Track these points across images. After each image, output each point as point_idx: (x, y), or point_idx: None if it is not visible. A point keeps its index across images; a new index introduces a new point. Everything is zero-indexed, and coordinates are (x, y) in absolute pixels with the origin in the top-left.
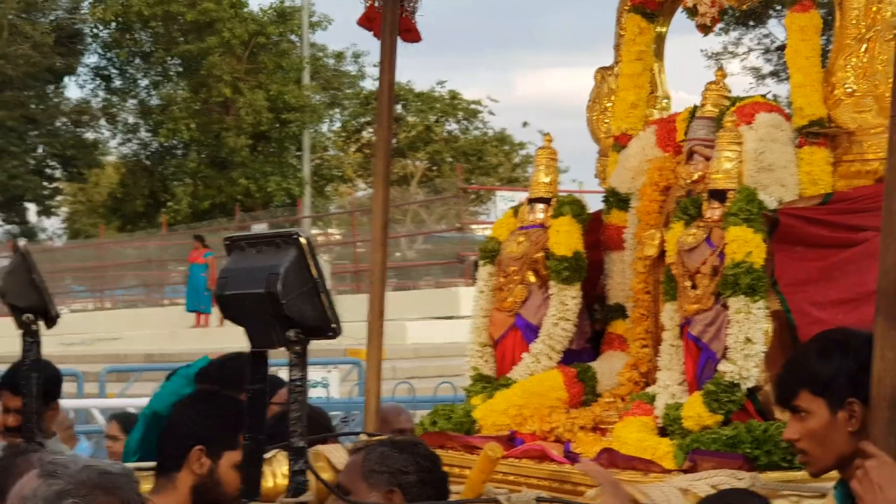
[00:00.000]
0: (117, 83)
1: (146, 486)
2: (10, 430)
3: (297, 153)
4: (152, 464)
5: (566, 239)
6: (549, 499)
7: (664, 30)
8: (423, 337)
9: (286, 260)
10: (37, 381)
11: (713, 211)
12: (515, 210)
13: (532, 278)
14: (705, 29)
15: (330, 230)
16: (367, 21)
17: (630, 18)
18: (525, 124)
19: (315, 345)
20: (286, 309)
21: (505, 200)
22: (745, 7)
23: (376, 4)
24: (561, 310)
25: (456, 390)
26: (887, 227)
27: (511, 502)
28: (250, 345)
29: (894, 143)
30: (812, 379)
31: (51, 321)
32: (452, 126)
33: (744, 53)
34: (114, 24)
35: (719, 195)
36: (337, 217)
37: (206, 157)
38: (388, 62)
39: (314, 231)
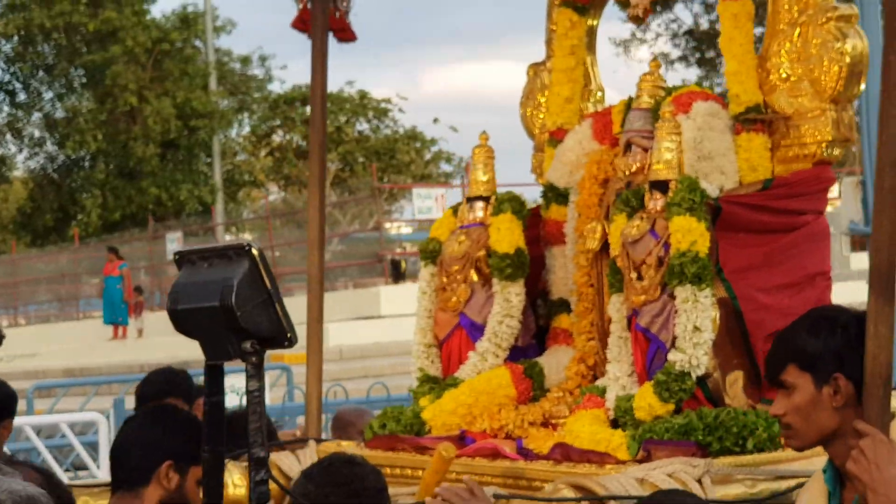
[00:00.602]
0: (21, 97)
1: (101, 502)
2: None
3: (208, 160)
4: (105, 479)
5: (507, 236)
6: (507, 495)
7: (595, 23)
8: (345, 338)
9: (239, 272)
10: None
11: (655, 202)
12: (455, 209)
13: (475, 277)
14: (637, 20)
15: (244, 235)
16: (300, 23)
17: (561, 13)
18: (435, 121)
19: None
20: (241, 321)
21: (421, 198)
22: None
23: (309, 6)
24: (505, 307)
25: (389, 391)
26: (879, 203)
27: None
28: (206, 358)
29: (885, 119)
30: (800, 354)
31: None
32: (363, 126)
33: (652, 39)
34: (16, 38)
35: (661, 186)
36: (250, 222)
37: (114, 168)
38: (319, 64)
39: (228, 238)
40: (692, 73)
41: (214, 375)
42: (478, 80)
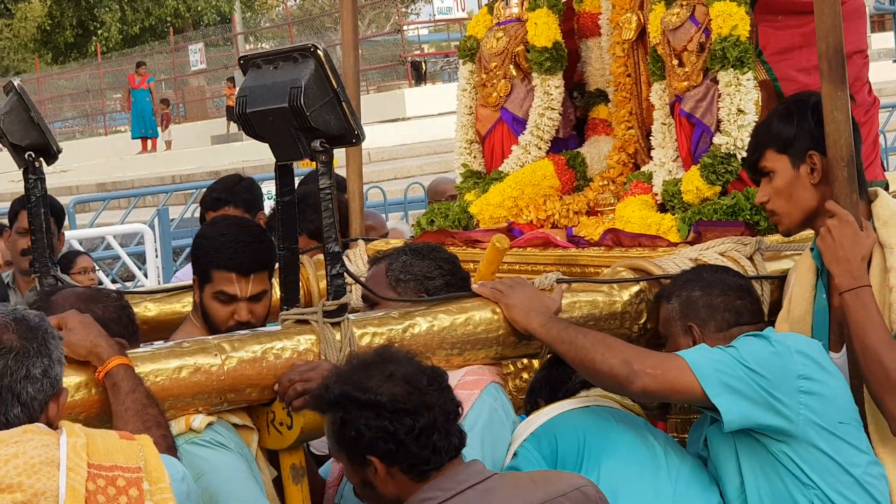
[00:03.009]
0: None
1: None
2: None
3: None
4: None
5: (545, 30)
6: (569, 279)
7: None
8: (372, 141)
9: (306, 73)
10: (46, 216)
11: None
12: (490, 7)
13: (514, 72)
14: None
15: (262, 44)
16: None
17: None
18: None
19: (262, 160)
20: (311, 120)
21: None
22: None
23: None
24: (546, 100)
25: (425, 190)
26: None
27: (534, 285)
28: (276, 159)
29: None
30: (775, 137)
31: (52, 157)
32: None
33: None
34: None
35: None
36: (269, 30)
37: None
38: None
39: (247, 47)
40: None
41: (285, 175)
42: None
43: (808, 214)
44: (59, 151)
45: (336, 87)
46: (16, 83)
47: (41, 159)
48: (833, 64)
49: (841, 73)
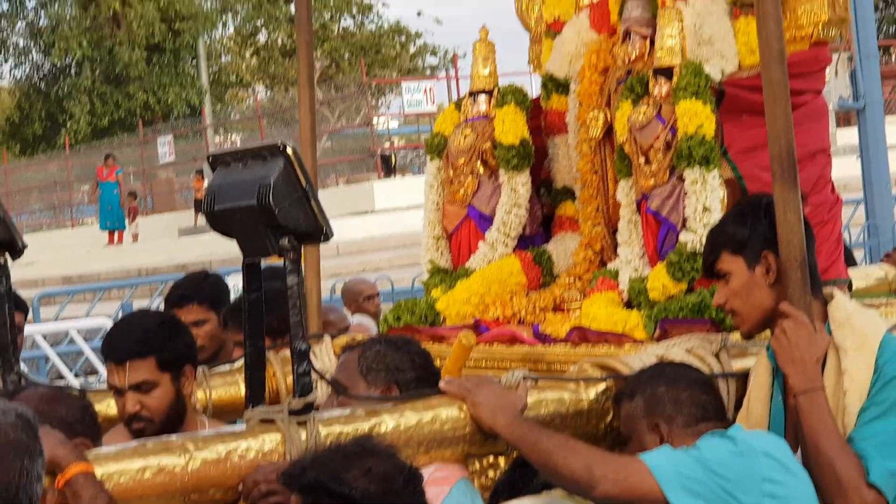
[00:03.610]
0: (4, 7)
1: None
2: None
3: (194, 62)
4: None
5: (512, 127)
6: (536, 377)
7: None
8: (340, 234)
9: (274, 171)
10: (10, 312)
11: (660, 87)
12: (458, 104)
13: (481, 169)
14: None
15: (232, 136)
16: None
17: None
18: (419, 14)
19: (230, 254)
20: (280, 218)
21: (410, 91)
22: None
23: None
24: (513, 197)
25: (393, 283)
26: (769, 95)
27: (500, 383)
28: (244, 255)
29: (763, 15)
30: (729, 240)
31: (17, 253)
32: (347, 22)
33: None
34: None
35: (665, 72)
36: (239, 123)
37: (101, 74)
38: None
39: (217, 139)
40: None
41: (253, 273)
42: None
43: (766, 314)
44: (25, 247)
45: (305, 184)
46: None
47: (6, 254)
48: (785, 166)
49: (793, 174)
